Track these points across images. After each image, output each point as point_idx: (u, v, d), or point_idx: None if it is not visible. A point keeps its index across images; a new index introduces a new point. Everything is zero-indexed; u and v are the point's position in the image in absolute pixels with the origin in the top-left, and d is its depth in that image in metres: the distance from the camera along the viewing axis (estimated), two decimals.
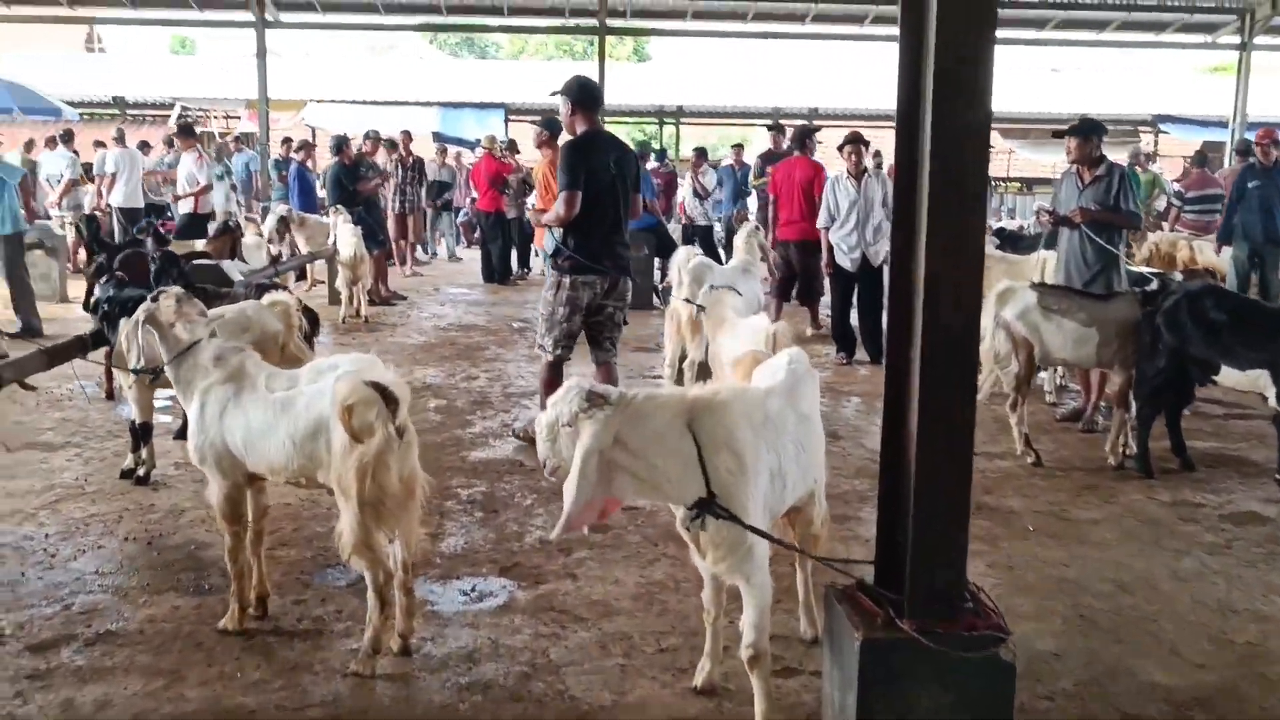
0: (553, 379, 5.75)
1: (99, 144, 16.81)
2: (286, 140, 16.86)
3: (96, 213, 10.23)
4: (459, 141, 21.45)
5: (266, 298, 5.52)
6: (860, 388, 8.01)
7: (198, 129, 24.20)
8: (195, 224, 11.80)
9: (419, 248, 16.68)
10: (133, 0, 19.96)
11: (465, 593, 4.14)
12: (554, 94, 5.96)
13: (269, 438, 3.46)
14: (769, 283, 9.90)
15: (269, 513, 3.90)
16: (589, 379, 3.01)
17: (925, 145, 2.77)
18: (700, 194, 15.87)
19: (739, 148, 16.77)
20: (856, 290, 8.90)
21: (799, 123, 27.82)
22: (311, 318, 6.05)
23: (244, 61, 20.25)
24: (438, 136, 21.99)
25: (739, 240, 8.28)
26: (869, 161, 8.94)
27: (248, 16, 19.43)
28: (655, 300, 12.09)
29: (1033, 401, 6.58)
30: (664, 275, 12.71)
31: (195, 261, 7.11)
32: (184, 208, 12.41)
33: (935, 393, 2.79)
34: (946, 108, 2.72)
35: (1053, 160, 25.38)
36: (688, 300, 6.74)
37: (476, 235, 16.78)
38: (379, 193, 12.52)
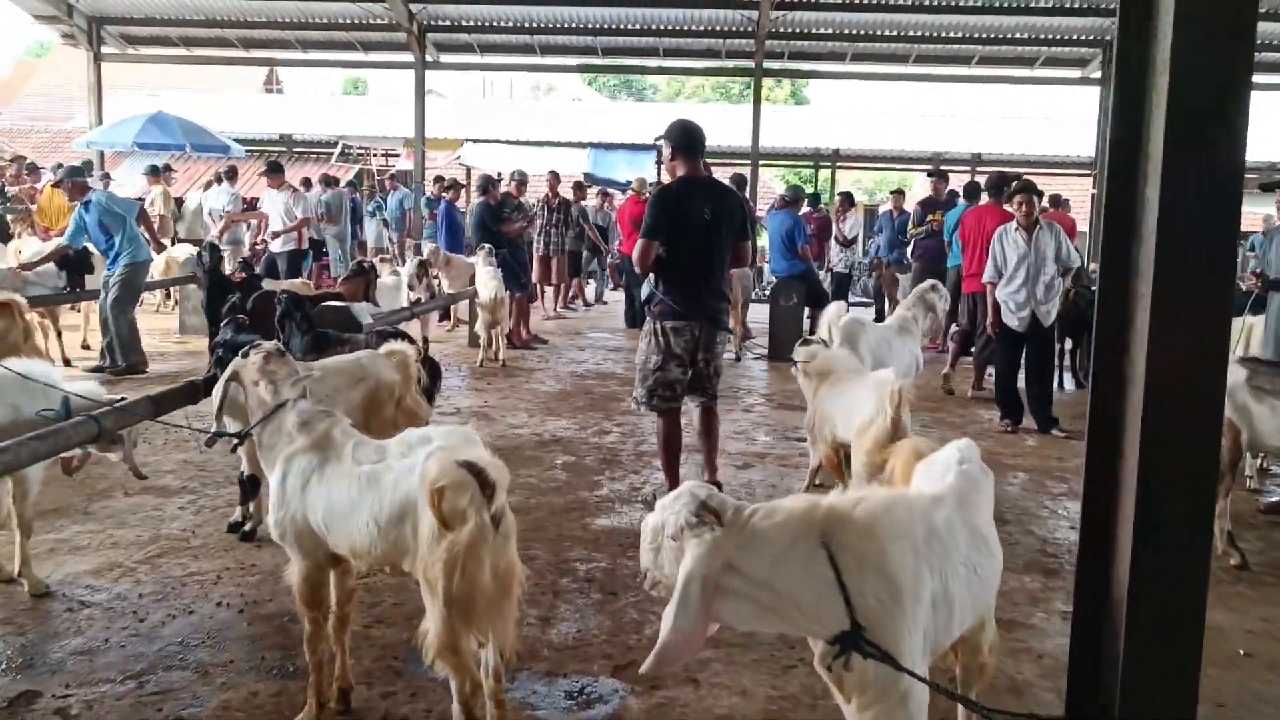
0: (667, 431, 5.81)
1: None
2: (438, 179, 16.93)
3: (216, 242, 10.18)
4: (610, 183, 21.28)
5: (384, 347, 5.19)
6: (1027, 461, 7.24)
7: (359, 165, 24.99)
8: (293, 261, 11.84)
9: (576, 291, 16.53)
10: (303, 44, 20.71)
11: (572, 695, 3.64)
12: (657, 139, 5.90)
13: (352, 516, 3.05)
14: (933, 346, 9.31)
15: (356, 596, 3.48)
16: (706, 487, 2.48)
17: (1151, 199, 2.17)
18: (840, 241, 15.22)
19: (899, 194, 16.00)
20: (1025, 352, 8.13)
21: (959, 168, 26.91)
22: (432, 369, 5.72)
23: (408, 101, 20.59)
24: (589, 178, 21.89)
25: (909, 296, 7.64)
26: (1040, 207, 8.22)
27: (409, 58, 19.85)
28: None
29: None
30: (814, 326, 12.10)
31: (325, 304, 6.89)
32: (277, 246, 12.39)
33: (1161, 480, 2.18)
34: (1188, 152, 2.12)
35: (1262, 212, 23.73)
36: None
37: (623, 279, 16.50)
38: (524, 234, 12.28)
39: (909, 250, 13.45)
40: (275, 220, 12.58)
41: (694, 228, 5.57)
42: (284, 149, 25.82)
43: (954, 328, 10.70)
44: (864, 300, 17.24)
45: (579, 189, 14.95)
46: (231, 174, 15.21)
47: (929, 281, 8.50)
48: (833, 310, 6.61)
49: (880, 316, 14.65)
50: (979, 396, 9.51)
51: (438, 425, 3.38)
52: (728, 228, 5.69)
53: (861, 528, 2.35)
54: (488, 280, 10.26)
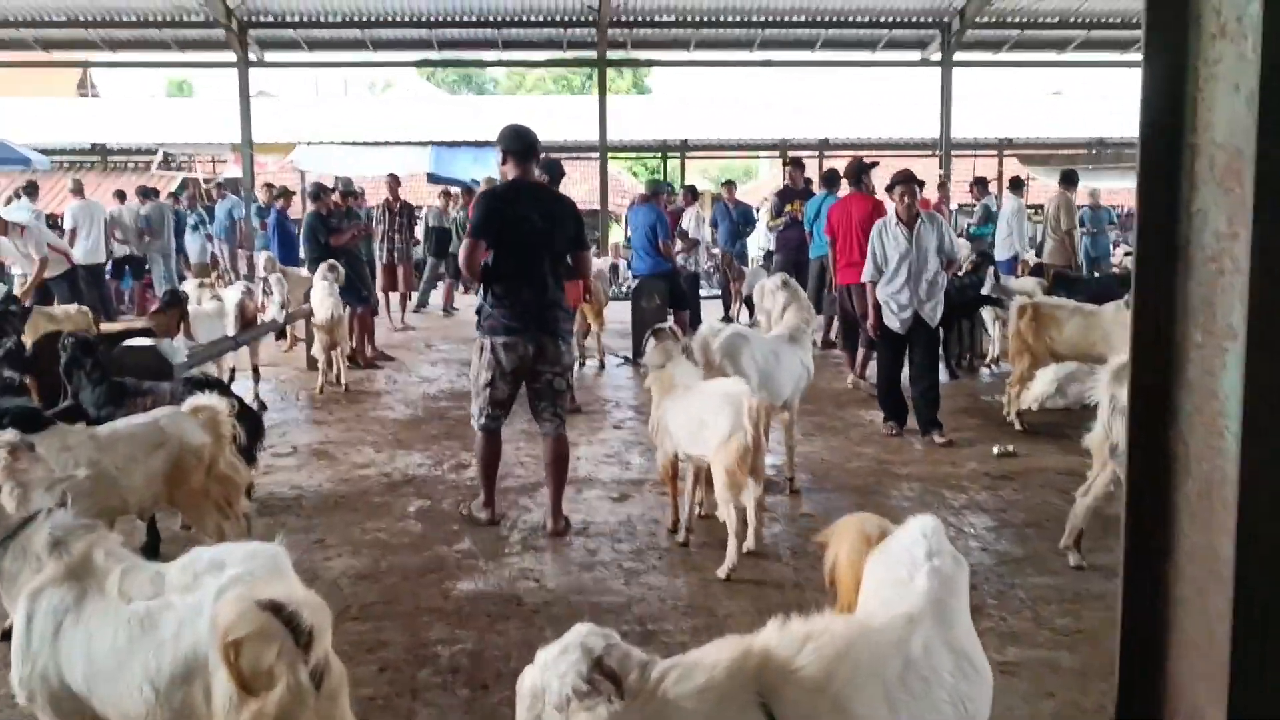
0: (487, 451, 5.61)
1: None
2: (267, 185, 15.76)
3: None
4: (454, 182, 20.35)
5: (189, 402, 4.34)
6: (919, 469, 6.81)
7: (183, 174, 23.36)
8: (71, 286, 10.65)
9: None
10: (111, 44, 19.10)
11: None
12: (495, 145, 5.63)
13: (121, 675, 2.27)
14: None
15: None
16: (602, 635, 1.82)
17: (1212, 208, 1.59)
18: (682, 239, 14.70)
19: (730, 185, 15.64)
20: (909, 353, 7.63)
21: (807, 154, 26.89)
22: (252, 424, 4.90)
23: (234, 103, 19.18)
24: (432, 178, 20.94)
25: (775, 299, 7.02)
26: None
27: (230, 57, 18.50)
28: None
29: None
30: (680, 328, 11.54)
31: (127, 344, 5.95)
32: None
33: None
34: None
35: None
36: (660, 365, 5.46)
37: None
38: (357, 244, 11.34)
39: (771, 242, 13.10)
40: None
41: (522, 234, 5.31)
42: (97, 158, 23.98)
43: (834, 323, 10.41)
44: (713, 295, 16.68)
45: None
46: (30, 189, 13.79)
47: (779, 277, 7.92)
48: (704, 330, 5.98)
49: (728, 315, 14.25)
50: (857, 397, 9.11)
51: (236, 544, 2.59)
52: (560, 234, 5.43)
53: (812, 681, 1.73)
54: (323, 297, 9.34)
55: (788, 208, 12.31)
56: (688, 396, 5.21)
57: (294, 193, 12.66)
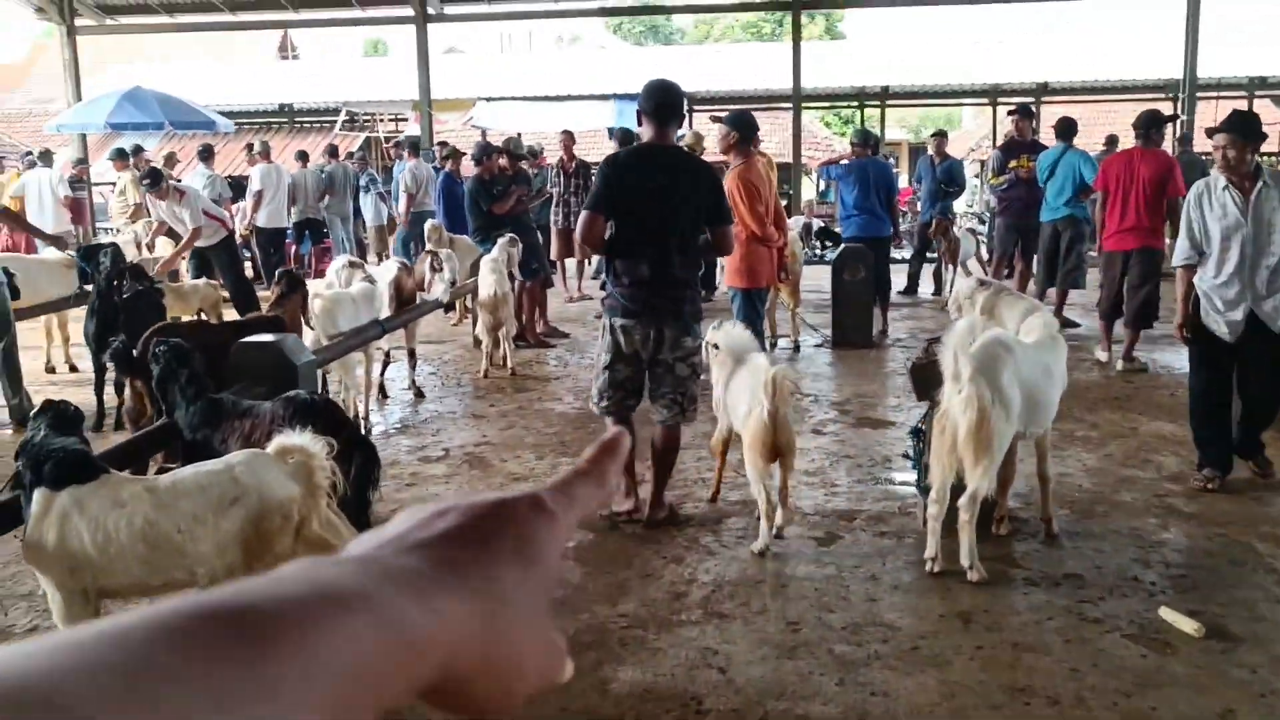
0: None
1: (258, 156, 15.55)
2: (442, 144, 15.04)
3: (117, 242, 8.11)
4: (637, 137, 19.27)
5: (275, 441, 3.35)
6: (1211, 506, 5.29)
7: (365, 134, 23.10)
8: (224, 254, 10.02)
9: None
10: (293, 3, 18.82)
11: None
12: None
13: None
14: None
15: None
16: None
17: None
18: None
19: (940, 136, 13.73)
20: (1236, 370, 5.53)
21: (1023, 99, 24.54)
22: (365, 458, 3.88)
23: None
24: (613, 133, 19.89)
25: (974, 302, 5.53)
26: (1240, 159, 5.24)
27: (408, 11, 17.92)
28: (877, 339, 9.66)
29: None
30: (883, 310, 10.14)
31: (247, 340, 5.07)
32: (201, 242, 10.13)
33: None
34: None
35: None
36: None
37: None
38: (526, 210, 10.35)
39: (994, 202, 11.47)
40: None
41: (645, 206, 4.82)
42: (285, 120, 24.02)
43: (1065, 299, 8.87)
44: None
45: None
46: (205, 154, 13.44)
47: (973, 280, 6.40)
48: (958, 333, 4.53)
49: (939, 287, 12.61)
50: (1108, 394, 7.56)
51: None
52: (690, 207, 4.88)
53: None
54: (485, 275, 8.39)
55: (1013, 164, 10.64)
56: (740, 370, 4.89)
57: (464, 153, 11.74)
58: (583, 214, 4.97)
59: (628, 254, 4.87)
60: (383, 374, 7.98)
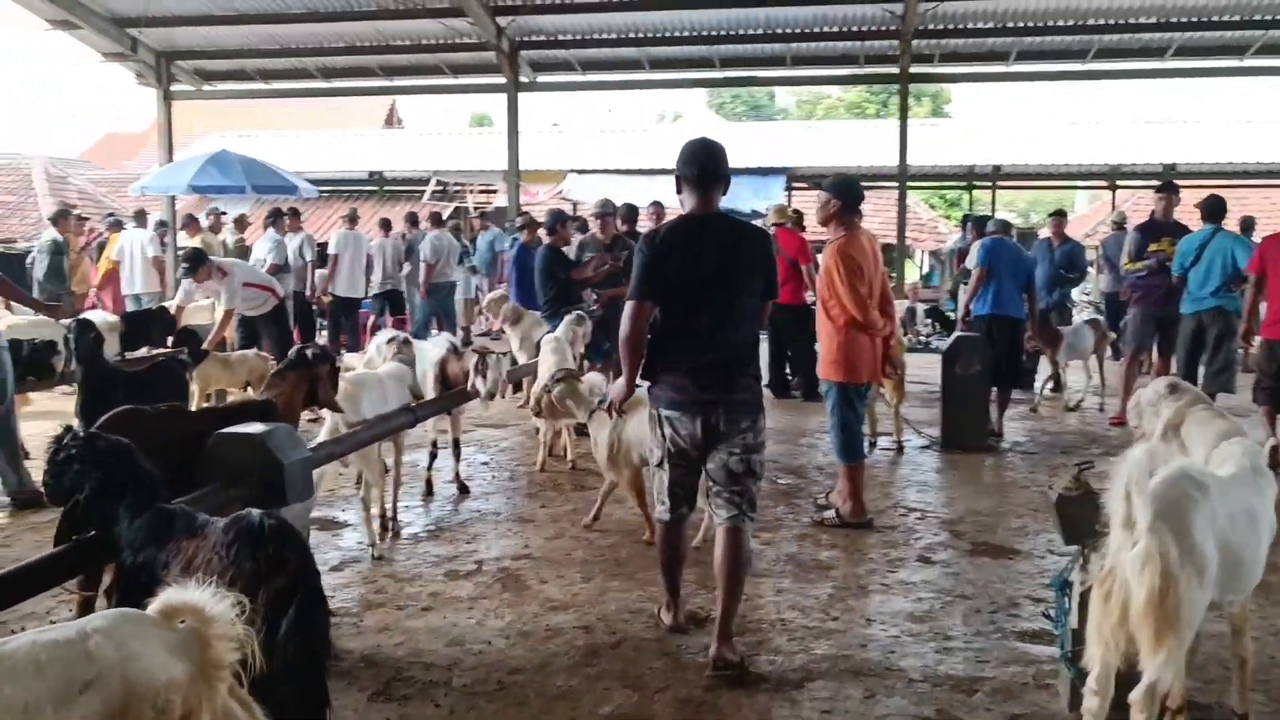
0: (665, 547, 4.56)
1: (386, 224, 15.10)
2: (522, 214, 14.31)
3: (89, 317, 7.30)
4: (733, 214, 18.36)
5: (159, 601, 2.36)
6: None
7: (455, 203, 22.67)
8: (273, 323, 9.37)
9: None
10: (386, 70, 18.54)
11: None
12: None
13: None
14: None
15: None
16: None
17: None
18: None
19: (1059, 216, 12.46)
20: None
21: (1143, 183, 23.11)
22: (307, 606, 2.88)
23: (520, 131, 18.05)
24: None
25: (1160, 410, 4.33)
26: None
27: (501, 79, 17.44)
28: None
29: None
30: (1000, 410, 8.92)
31: (226, 430, 4.16)
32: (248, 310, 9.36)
33: None
34: None
35: None
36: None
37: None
38: (605, 296, 9.40)
39: (1123, 287, 10.19)
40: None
41: (691, 285, 4.22)
42: (375, 187, 23.77)
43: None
44: None
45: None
46: (275, 218, 12.89)
47: (1163, 381, 5.11)
48: (1137, 460, 3.33)
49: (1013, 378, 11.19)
50: None
51: None
52: (748, 281, 4.28)
53: None
54: (546, 353, 7.46)
55: (1154, 246, 9.39)
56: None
57: (540, 224, 10.92)
58: (627, 305, 4.33)
59: (678, 337, 4.28)
60: (430, 466, 7.05)
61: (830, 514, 6.24)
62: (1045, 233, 12.36)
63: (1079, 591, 3.71)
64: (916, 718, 3.77)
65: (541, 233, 9.86)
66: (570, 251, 9.36)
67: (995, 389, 8.70)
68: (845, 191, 6.18)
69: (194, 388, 8.55)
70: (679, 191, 4.38)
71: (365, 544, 5.69)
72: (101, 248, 14.72)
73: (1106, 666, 3.20)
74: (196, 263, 8.75)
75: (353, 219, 14.38)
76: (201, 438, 4.21)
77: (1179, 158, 20.79)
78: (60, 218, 13.87)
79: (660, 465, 4.40)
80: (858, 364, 6.15)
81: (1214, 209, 8.90)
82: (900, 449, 8.35)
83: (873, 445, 8.28)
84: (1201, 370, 8.77)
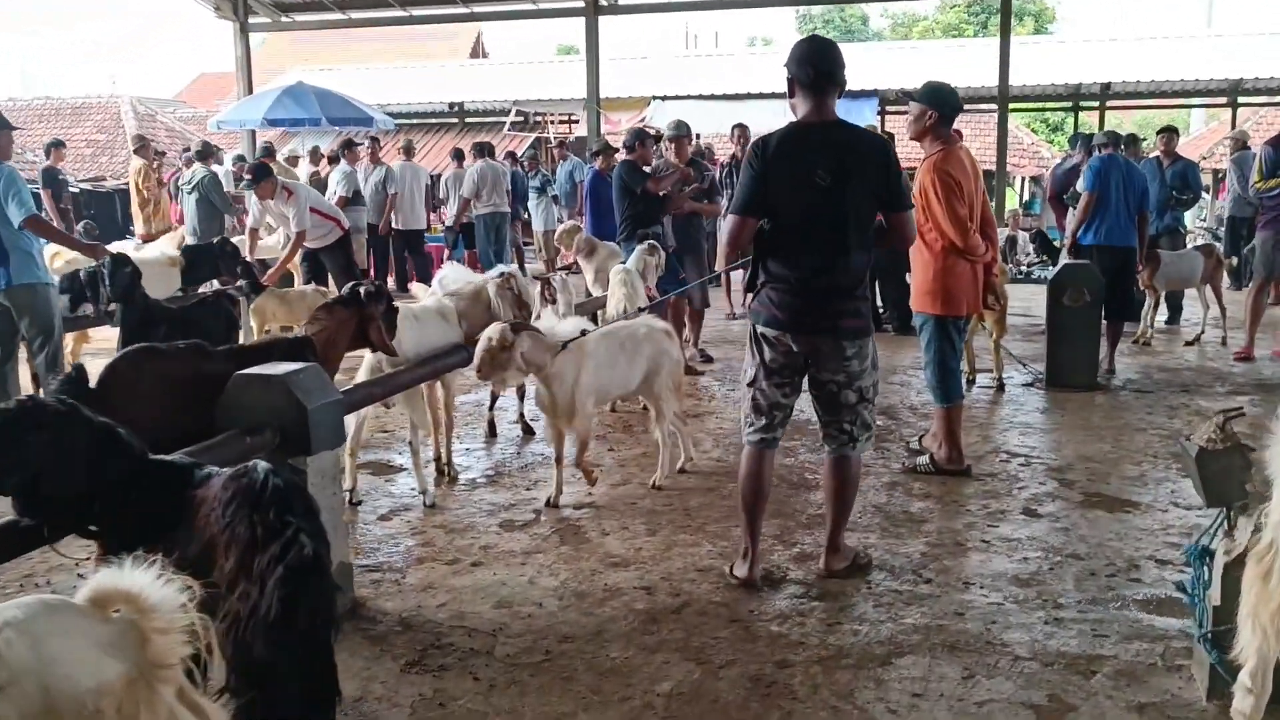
0: (747, 476, 4.19)
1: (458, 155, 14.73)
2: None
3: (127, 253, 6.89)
4: None
5: (87, 585, 1.95)
6: None
7: (536, 134, 22.16)
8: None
9: None
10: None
11: None
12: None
13: None
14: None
15: None
16: None
17: None
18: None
19: (1170, 133, 11.35)
20: None
21: (1268, 100, 21.48)
22: (296, 585, 2.45)
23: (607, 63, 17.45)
24: None
25: None
26: None
27: (579, 3, 16.78)
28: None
29: None
30: (1111, 346, 8.18)
31: (248, 370, 3.76)
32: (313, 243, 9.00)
33: None
34: None
35: None
36: None
37: None
38: (687, 205, 8.81)
39: (1256, 211, 9.29)
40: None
41: (804, 198, 3.93)
42: (455, 119, 23.35)
43: None
44: None
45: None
46: (347, 149, 12.54)
47: None
48: None
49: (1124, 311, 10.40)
50: None
51: None
52: (862, 194, 3.96)
53: None
54: (615, 285, 6.95)
55: None
56: None
57: (616, 149, 10.36)
58: (729, 219, 4.11)
59: (785, 251, 4.00)
60: (492, 406, 6.65)
61: (924, 460, 5.67)
62: (1155, 151, 11.35)
63: (1222, 562, 3.12)
64: (1024, 704, 3.24)
65: (620, 157, 9.29)
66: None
67: (1105, 322, 7.95)
68: (941, 101, 5.49)
69: (251, 323, 8.27)
70: (791, 96, 4.05)
71: (417, 491, 5.31)
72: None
73: (1264, 659, 2.64)
74: (261, 175, 8.44)
75: (408, 150, 13.97)
76: (225, 379, 3.83)
77: None
78: (140, 149, 13.66)
79: (752, 383, 4.14)
80: (956, 294, 5.52)
81: None
82: (1001, 387, 7.69)
83: (971, 383, 7.65)
84: None
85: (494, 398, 6.61)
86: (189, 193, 11.46)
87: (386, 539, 4.79)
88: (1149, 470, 5.64)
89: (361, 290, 4.54)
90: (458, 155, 14.61)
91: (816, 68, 3.94)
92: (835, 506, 4.25)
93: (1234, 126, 20.49)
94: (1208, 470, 3.13)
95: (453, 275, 6.57)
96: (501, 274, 5.76)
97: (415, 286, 8.34)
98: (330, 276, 9.02)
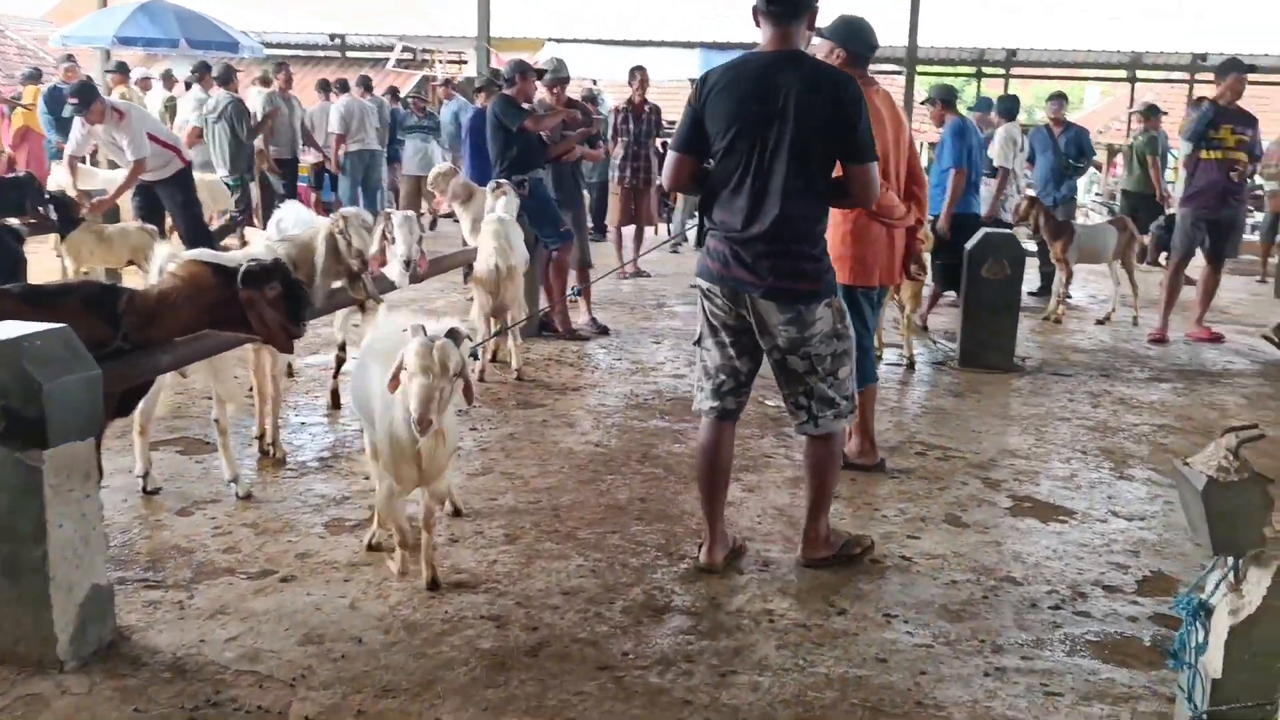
0: (702, 449, 3.77)
1: (325, 86, 13.46)
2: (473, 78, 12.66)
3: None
4: None
5: None
6: None
7: (422, 72, 20.88)
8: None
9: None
10: None
11: None
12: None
13: None
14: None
15: None
16: None
17: None
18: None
19: (1059, 98, 10.78)
20: None
21: (1172, 74, 21.42)
22: None
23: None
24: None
25: None
26: None
27: None
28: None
29: None
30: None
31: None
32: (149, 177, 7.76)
33: None
34: None
35: None
36: None
37: None
38: (572, 155, 7.91)
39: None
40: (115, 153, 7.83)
41: (745, 134, 3.45)
42: (336, 51, 21.87)
43: None
44: None
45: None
46: (202, 72, 11.26)
47: None
48: None
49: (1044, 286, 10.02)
50: None
51: None
52: (803, 134, 3.41)
53: None
54: (488, 237, 6.06)
55: (1213, 134, 7.97)
56: None
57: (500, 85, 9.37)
58: (669, 155, 3.74)
59: (719, 199, 3.60)
60: (336, 373, 5.70)
61: None
62: (1047, 116, 10.79)
63: (1227, 624, 2.44)
64: None
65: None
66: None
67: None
68: (851, 36, 4.67)
69: (66, 263, 7.14)
70: (757, 25, 3.59)
71: (228, 479, 4.36)
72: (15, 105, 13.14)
73: None
74: (86, 97, 7.25)
75: (266, 80, 12.67)
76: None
77: (1207, 46, 19.13)
78: None
79: (698, 342, 3.80)
80: (869, 261, 4.73)
81: None
82: (911, 365, 7.05)
83: (878, 359, 6.99)
84: None
85: (339, 363, 5.66)
86: (214, 122, 10.25)
87: (178, 543, 3.84)
88: (1080, 470, 5.03)
89: (253, 267, 3.49)
90: (324, 87, 13.39)
91: None
92: (811, 491, 3.82)
93: (1131, 102, 20.40)
94: (1217, 508, 2.42)
95: (292, 217, 5.61)
96: (337, 216, 4.77)
97: (249, 231, 7.31)
98: (169, 216, 7.89)
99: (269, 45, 19.52)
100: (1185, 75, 20.61)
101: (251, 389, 4.84)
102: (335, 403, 5.65)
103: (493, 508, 4.29)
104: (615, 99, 13.84)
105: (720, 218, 3.59)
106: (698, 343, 3.81)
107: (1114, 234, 9.14)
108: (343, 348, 5.64)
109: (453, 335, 3.14)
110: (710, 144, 3.56)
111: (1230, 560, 2.48)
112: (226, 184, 10.23)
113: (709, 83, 3.57)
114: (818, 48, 4.89)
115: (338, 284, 4.81)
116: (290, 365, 6.00)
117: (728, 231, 3.56)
